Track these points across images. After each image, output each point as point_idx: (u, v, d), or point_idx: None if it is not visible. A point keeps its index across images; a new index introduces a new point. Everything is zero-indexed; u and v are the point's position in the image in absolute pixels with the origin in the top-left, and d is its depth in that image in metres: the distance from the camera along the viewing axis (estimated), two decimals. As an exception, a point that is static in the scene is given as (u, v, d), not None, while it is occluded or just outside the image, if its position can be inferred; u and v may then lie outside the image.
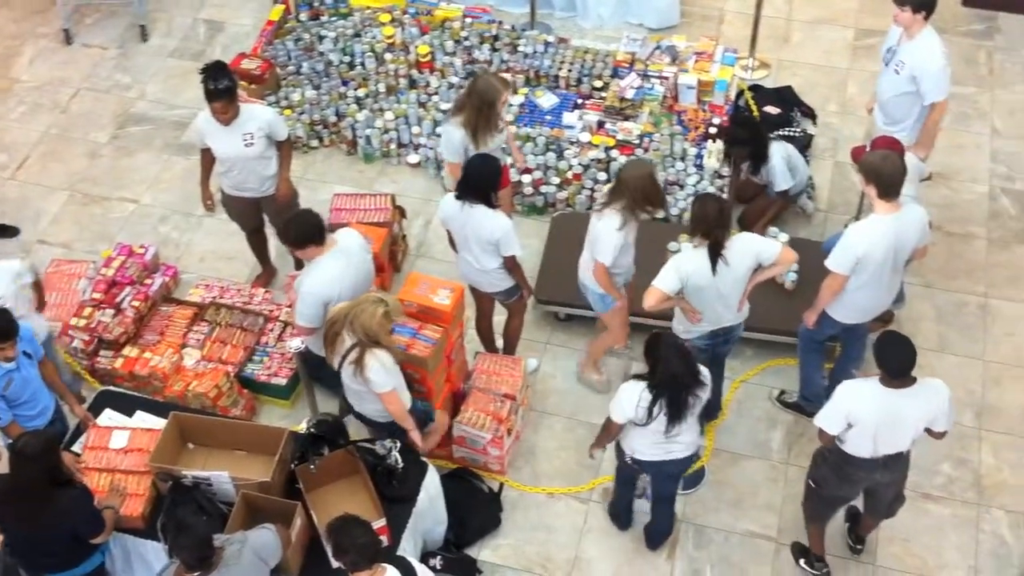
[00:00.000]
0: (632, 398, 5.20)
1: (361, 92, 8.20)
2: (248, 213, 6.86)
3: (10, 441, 5.25)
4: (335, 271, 5.76)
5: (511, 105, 7.75)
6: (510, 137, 6.83)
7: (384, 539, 5.21)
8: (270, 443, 5.56)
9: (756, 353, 6.80)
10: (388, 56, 8.34)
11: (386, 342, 5.42)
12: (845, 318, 5.91)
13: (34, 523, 5.04)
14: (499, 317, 6.60)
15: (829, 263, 5.65)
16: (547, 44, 8.42)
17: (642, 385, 5.19)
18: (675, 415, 5.20)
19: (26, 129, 8.39)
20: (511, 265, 6.08)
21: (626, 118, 7.87)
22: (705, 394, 5.29)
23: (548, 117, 7.94)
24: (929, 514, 6.13)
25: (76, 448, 5.78)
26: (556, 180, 7.57)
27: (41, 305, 6.18)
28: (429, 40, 8.44)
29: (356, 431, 5.92)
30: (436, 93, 8.19)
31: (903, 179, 5.50)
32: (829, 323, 5.96)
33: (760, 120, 7.85)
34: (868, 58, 8.50)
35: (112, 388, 6.36)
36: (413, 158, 7.95)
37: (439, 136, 7.86)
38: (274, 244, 7.08)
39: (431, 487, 5.72)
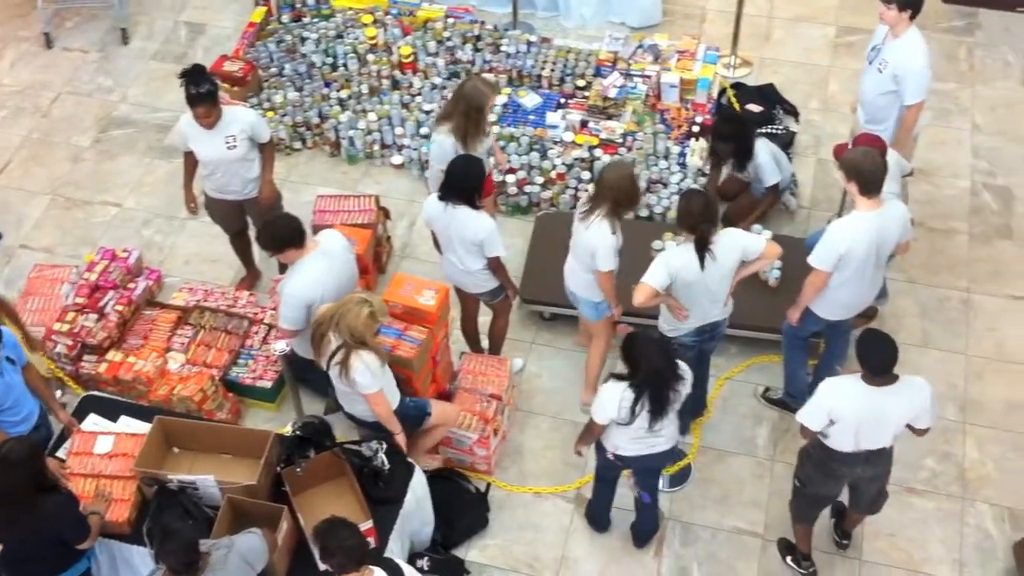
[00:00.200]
0: (614, 399, 5.22)
1: (344, 93, 8.19)
2: (231, 216, 6.84)
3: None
4: (317, 273, 5.75)
5: (494, 105, 7.74)
6: (494, 142, 6.81)
7: (371, 541, 5.21)
8: (256, 446, 5.55)
9: (741, 350, 6.83)
10: (371, 57, 8.33)
11: (372, 343, 5.42)
12: (828, 314, 5.94)
13: (19, 529, 5.01)
14: (484, 317, 6.60)
15: (812, 260, 5.68)
16: (530, 44, 8.42)
17: (623, 385, 5.21)
18: (658, 411, 5.22)
19: (7, 133, 8.35)
20: (495, 266, 6.08)
21: (609, 117, 7.88)
22: (685, 388, 5.32)
23: (531, 117, 7.95)
24: (914, 508, 6.17)
25: (61, 454, 5.76)
26: (540, 180, 7.58)
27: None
28: (411, 41, 8.44)
29: (342, 433, 5.91)
30: (419, 94, 8.19)
31: (884, 176, 5.53)
32: (812, 320, 5.99)
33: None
34: (849, 55, 8.54)
35: (96, 393, 6.34)
36: (397, 159, 7.94)
37: (423, 137, 7.89)
38: (258, 247, 7.05)
39: (418, 488, 5.72)
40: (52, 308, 6.88)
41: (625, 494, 5.96)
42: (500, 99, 7.96)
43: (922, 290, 7.13)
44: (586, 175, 7.56)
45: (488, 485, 6.30)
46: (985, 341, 6.88)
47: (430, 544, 5.96)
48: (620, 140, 7.71)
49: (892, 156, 6.02)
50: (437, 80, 8.26)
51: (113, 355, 6.63)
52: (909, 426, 5.22)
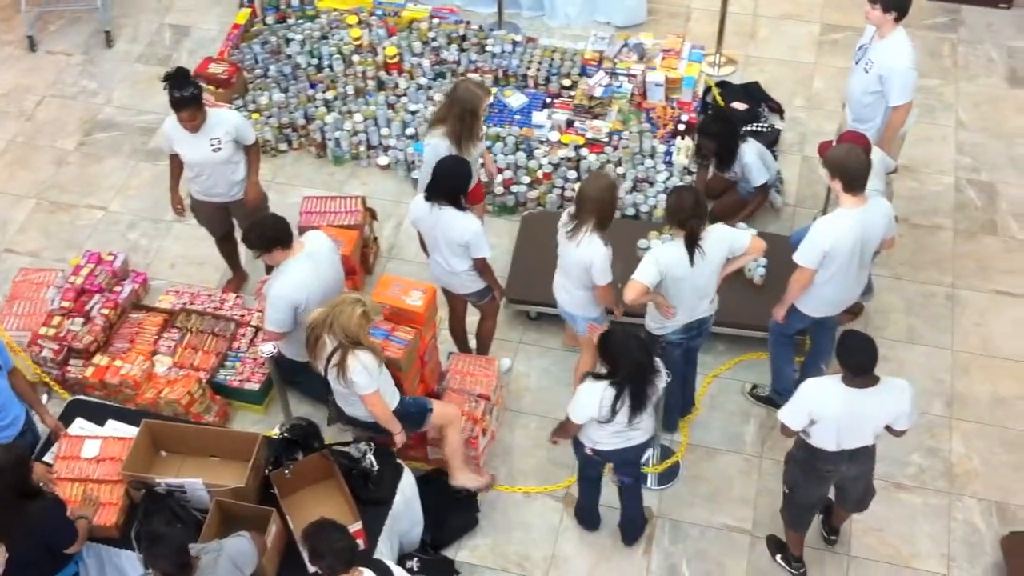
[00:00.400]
0: (593, 399, 5.21)
1: (329, 94, 8.18)
2: (217, 218, 6.83)
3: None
4: (303, 275, 5.74)
5: (487, 108, 7.73)
6: (485, 150, 6.76)
7: (360, 542, 5.21)
8: (244, 449, 5.54)
9: (728, 348, 6.84)
10: (356, 58, 8.32)
11: (367, 342, 5.39)
12: (814, 311, 5.96)
13: (5, 535, 4.99)
14: (472, 317, 6.60)
15: (797, 257, 5.70)
16: (515, 43, 8.43)
17: (603, 384, 5.20)
18: (638, 406, 5.23)
19: (-9, 137, 8.33)
20: (481, 267, 6.07)
21: (595, 116, 7.89)
22: (661, 381, 5.34)
23: (517, 116, 7.96)
24: (902, 504, 6.19)
25: (48, 458, 5.74)
26: (527, 179, 7.58)
27: None
28: (396, 41, 8.44)
29: (332, 436, 5.91)
30: (405, 94, 8.18)
31: (868, 173, 5.55)
32: (798, 317, 6.01)
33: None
34: (834, 53, 8.57)
35: (83, 397, 6.32)
36: (383, 160, 7.93)
37: (409, 138, 7.89)
38: (244, 249, 7.01)
39: (407, 489, 5.72)
40: (38, 312, 6.86)
41: (612, 492, 5.96)
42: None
43: (908, 286, 7.16)
44: (572, 174, 7.57)
45: (477, 485, 6.30)
46: (971, 336, 6.91)
47: (420, 545, 5.96)
48: (606, 139, 7.72)
49: (876, 153, 6.04)
50: (423, 81, 8.26)
51: (100, 359, 6.61)
52: (888, 428, 5.23)
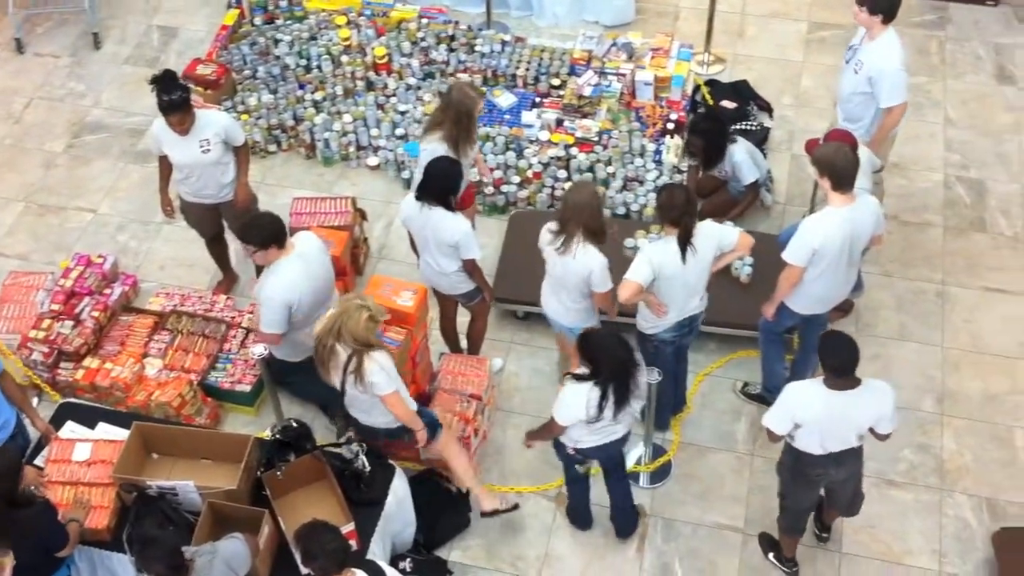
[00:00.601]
0: (579, 400, 5.21)
1: (318, 95, 8.17)
2: (207, 220, 6.81)
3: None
4: (293, 275, 5.74)
5: (482, 110, 7.70)
6: (478, 154, 6.75)
7: (353, 543, 5.21)
8: (235, 451, 5.53)
9: (719, 346, 6.85)
10: (344, 58, 8.31)
11: (376, 344, 5.38)
12: (803, 309, 5.97)
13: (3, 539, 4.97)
14: (463, 318, 6.60)
15: (785, 255, 5.71)
16: (504, 43, 8.43)
17: (586, 385, 5.19)
18: (622, 402, 5.24)
19: (-21, 140, 8.30)
20: (470, 268, 6.06)
21: (584, 115, 7.90)
22: (643, 376, 5.35)
23: (507, 116, 7.96)
24: (893, 500, 6.21)
25: (39, 462, 5.72)
26: (516, 179, 7.58)
27: None
28: (385, 42, 8.43)
29: (323, 438, 5.90)
30: (394, 95, 8.18)
31: (856, 171, 5.56)
32: (788, 314, 6.02)
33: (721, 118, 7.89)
34: (822, 51, 8.59)
35: (73, 400, 6.30)
36: (373, 160, 7.92)
37: (399, 138, 7.88)
38: (234, 250, 7.04)
39: (399, 490, 5.72)
40: (27, 315, 6.84)
41: (603, 489, 5.96)
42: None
43: (898, 283, 7.18)
44: (562, 174, 7.57)
45: (469, 485, 6.29)
46: (961, 333, 6.94)
47: (412, 545, 5.96)
48: (596, 138, 7.72)
49: (864, 152, 6.06)
50: (412, 81, 8.25)
51: (90, 361, 6.59)
52: (872, 431, 5.24)
